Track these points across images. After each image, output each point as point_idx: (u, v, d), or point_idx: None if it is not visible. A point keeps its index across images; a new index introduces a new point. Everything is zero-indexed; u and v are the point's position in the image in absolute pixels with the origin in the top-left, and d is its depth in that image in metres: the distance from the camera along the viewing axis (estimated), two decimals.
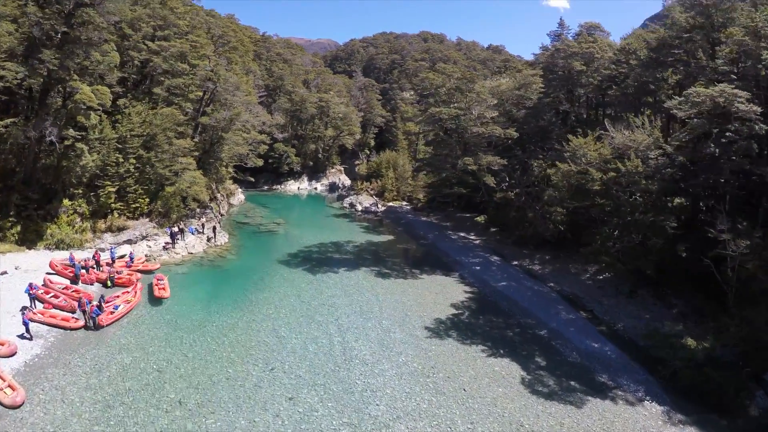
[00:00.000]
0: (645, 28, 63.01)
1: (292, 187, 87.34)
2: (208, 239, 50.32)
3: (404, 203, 77.92)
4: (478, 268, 47.79)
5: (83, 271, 37.80)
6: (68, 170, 43.92)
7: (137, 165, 47.21)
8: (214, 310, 35.05)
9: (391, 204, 76.76)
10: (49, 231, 43.28)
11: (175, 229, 47.69)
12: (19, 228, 42.37)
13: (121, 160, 46.14)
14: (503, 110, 56.27)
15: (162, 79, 51.65)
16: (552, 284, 42.88)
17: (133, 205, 47.56)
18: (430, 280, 43.84)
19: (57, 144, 41.94)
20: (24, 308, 30.87)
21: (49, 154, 44.74)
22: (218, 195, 61.88)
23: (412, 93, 61.68)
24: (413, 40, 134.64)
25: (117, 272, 38.70)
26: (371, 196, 77.63)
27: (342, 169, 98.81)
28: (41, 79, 38.94)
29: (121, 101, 49.27)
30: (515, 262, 49.08)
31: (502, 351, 30.71)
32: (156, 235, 48.58)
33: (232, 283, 41.00)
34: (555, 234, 48.08)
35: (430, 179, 75.15)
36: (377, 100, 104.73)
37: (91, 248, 44.77)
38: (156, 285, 37.12)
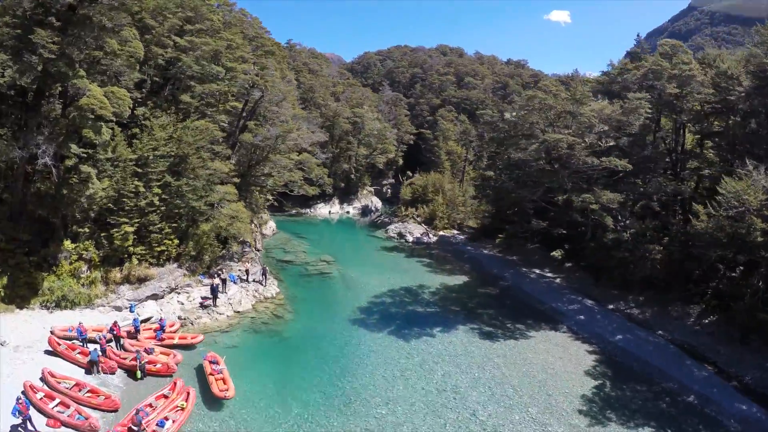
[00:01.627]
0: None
1: (322, 210, 74.98)
2: (257, 283, 37.99)
3: (455, 232, 66.17)
4: (582, 317, 38.96)
5: (98, 351, 25.32)
6: (70, 201, 31.38)
7: (163, 196, 34.72)
8: (301, 414, 23.15)
9: (442, 233, 64.89)
10: (46, 284, 31.32)
11: (217, 280, 35.08)
12: (5, 280, 30.47)
13: (141, 189, 33.59)
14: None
15: (191, 84, 39.42)
16: (661, 332, 36.16)
17: (158, 249, 34.98)
18: (542, 337, 34.96)
19: (54, 168, 29.57)
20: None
21: (44, 178, 32.50)
22: (253, 226, 49.33)
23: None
24: (432, 54, 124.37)
25: (147, 351, 26.14)
26: (419, 224, 65.69)
27: (372, 190, 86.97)
28: (34, 75, 26.57)
29: (139, 111, 36.94)
30: (611, 306, 41.15)
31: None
32: (188, 286, 36.03)
33: (306, 362, 28.84)
34: (661, 275, 40.57)
35: (484, 207, 64.02)
36: (405, 116, 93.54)
37: (103, 305, 32.44)
38: (211, 374, 24.65)
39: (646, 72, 49.74)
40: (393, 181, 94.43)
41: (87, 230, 33.09)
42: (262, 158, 41.37)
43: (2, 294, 30.06)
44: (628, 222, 45.36)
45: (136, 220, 33.72)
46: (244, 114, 41.42)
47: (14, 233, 31.27)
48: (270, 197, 49.18)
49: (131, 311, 32.01)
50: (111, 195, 32.65)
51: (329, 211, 76.09)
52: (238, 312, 34.61)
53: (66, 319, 29.82)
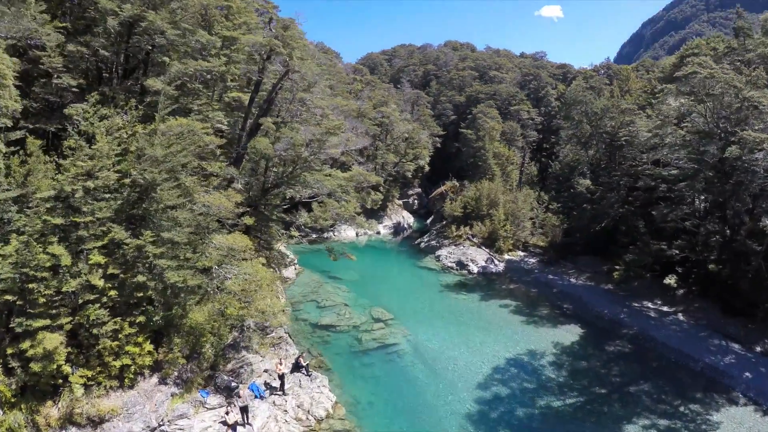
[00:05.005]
0: None
1: (347, 233, 57.01)
2: (299, 373, 20.51)
3: (521, 254, 48.87)
4: (747, 375, 28.38)
5: None
6: None
7: (111, 269, 16.75)
8: None
9: (508, 257, 47.56)
10: None
11: (233, 416, 17.14)
12: None
13: (65, 259, 15.68)
14: None
15: (165, 59, 21.78)
16: None
17: (116, 363, 17.13)
18: (729, 421, 23.73)
19: None
20: None
21: None
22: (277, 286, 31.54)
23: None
24: (443, 50, 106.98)
25: None
26: (478, 246, 48.18)
27: (402, 204, 69.27)
28: None
29: (73, 109, 19.20)
30: (758, 348, 31.68)
31: None
32: (180, 417, 18.36)
33: None
34: None
35: (556, 221, 47.39)
36: (430, 116, 76.13)
37: None
38: None
39: None
40: (420, 191, 76.86)
41: None
42: (287, 178, 23.58)
43: None
44: None
45: (66, 320, 15.92)
46: (256, 106, 23.60)
47: None
48: (296, 233, 31.48)
49: None
50: (7, 276, 14.92)
51: (356, 233, 58.29)
52: None
53: None
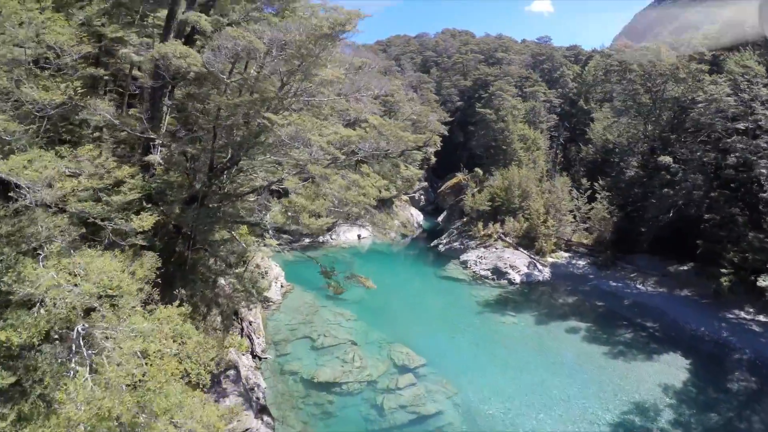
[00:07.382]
0: None
1: (348, 236, 45.52)
2: None
3: (565, 254, 37.68)
4: None
5: None
6: None
7: None
8: None
9: (551, 259, 36.32)
10: None
11: None
12: None
13: None
14: None
15: None
16: None
17: None
18: None
19: None
20: None
21: None
22: (242, 307, 20.12)
23: None
24: (441, 38, 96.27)
25: None
26: (514, 247, 36.83)
27: (408, 199, 57.88)
28: None
29: None
30: None
31: None
32: None
33: None
34: None
35: (605, 214, 36.37)
36: (435, 101, 65.08)
37: None
38: None
39: None
40: (426, 185, 65.50)
41: None
42: (247, 141, 12.11)
43: None
44: None
45: None
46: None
47: None
48: (274, 242, 20.11)
49: None
50: None
51: (358, 236, 46.76)
52: None
53: None
